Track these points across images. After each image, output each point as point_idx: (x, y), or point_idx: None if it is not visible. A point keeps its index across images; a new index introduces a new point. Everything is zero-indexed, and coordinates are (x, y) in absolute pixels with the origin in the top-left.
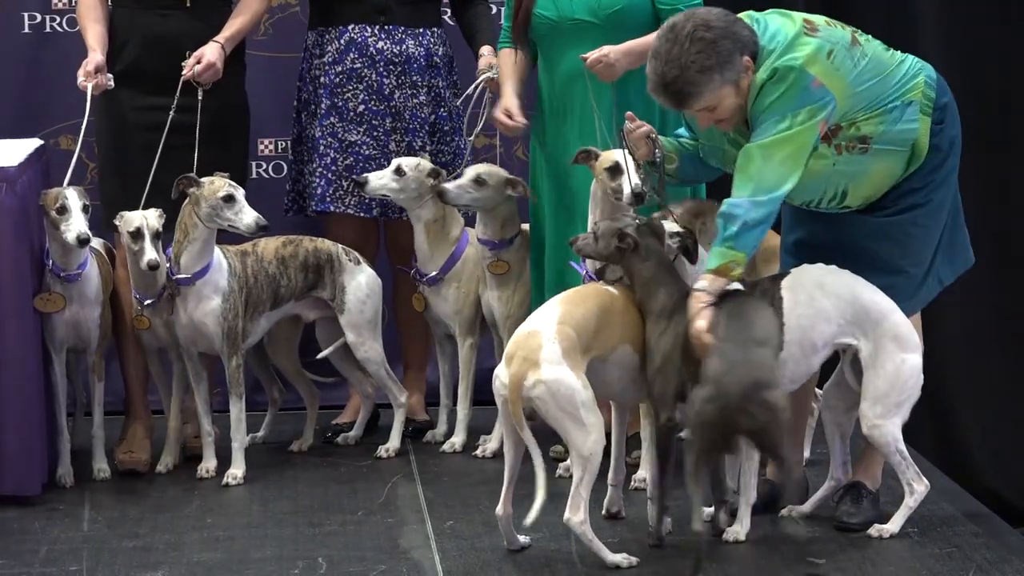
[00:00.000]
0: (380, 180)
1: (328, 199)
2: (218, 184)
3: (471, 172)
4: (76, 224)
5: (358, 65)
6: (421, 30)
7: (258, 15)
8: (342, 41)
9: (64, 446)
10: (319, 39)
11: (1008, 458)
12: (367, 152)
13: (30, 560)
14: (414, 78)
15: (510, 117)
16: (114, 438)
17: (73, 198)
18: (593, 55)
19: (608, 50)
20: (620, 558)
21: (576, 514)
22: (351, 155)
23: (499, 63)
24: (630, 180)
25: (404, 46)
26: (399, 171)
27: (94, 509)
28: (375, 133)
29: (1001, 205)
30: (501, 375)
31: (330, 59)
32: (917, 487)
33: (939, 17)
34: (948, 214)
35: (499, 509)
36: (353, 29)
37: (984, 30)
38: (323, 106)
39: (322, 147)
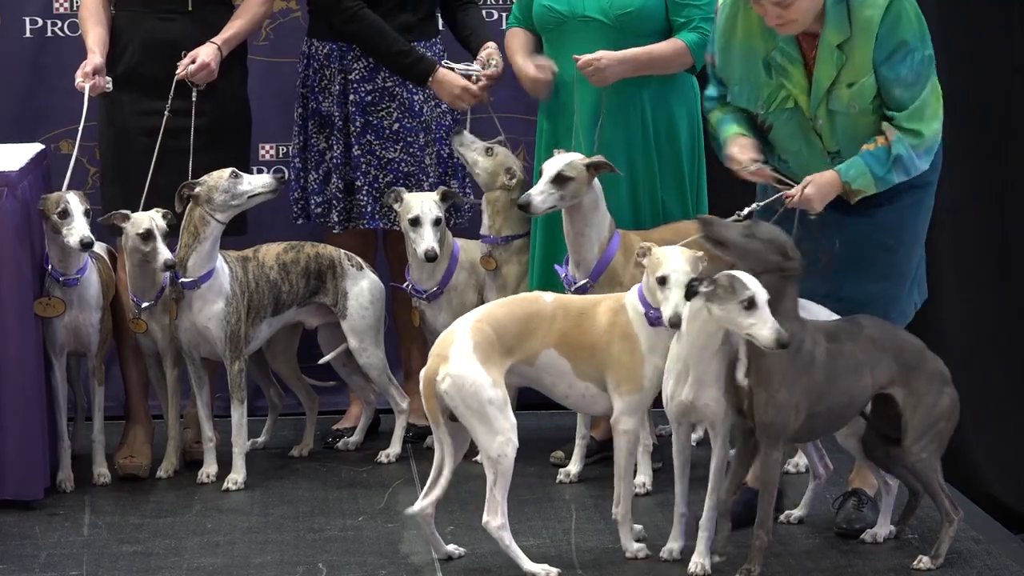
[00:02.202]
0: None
1: (377, 216)
2: (217, 172)
3: (494, 142)
4: (79, 228)
5: (389, 84)
6: (433, 40)
7: (258, 18)
8: (370, 59)
9: (64, 451)
10: (341, 54)
11: (1008, 462)
12: (405, 169)
13: (30, 565)
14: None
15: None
16: (114, 443)
17: (75, 202)
18: (586, 57)
19: (602, 55)
20: (539, 568)
21: (494, 518)
22: (390, 172)
23: (508, 41)
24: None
25: None
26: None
27: (94, 514)
28: (411, 150)
29: (1001, 207)
30: (421, 374)
31: (358, 76)
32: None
33: (939, 17)
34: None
35: (416, 506)
36: None
37: (984, 30)
38: (357, 124)
39: (363, 165)
